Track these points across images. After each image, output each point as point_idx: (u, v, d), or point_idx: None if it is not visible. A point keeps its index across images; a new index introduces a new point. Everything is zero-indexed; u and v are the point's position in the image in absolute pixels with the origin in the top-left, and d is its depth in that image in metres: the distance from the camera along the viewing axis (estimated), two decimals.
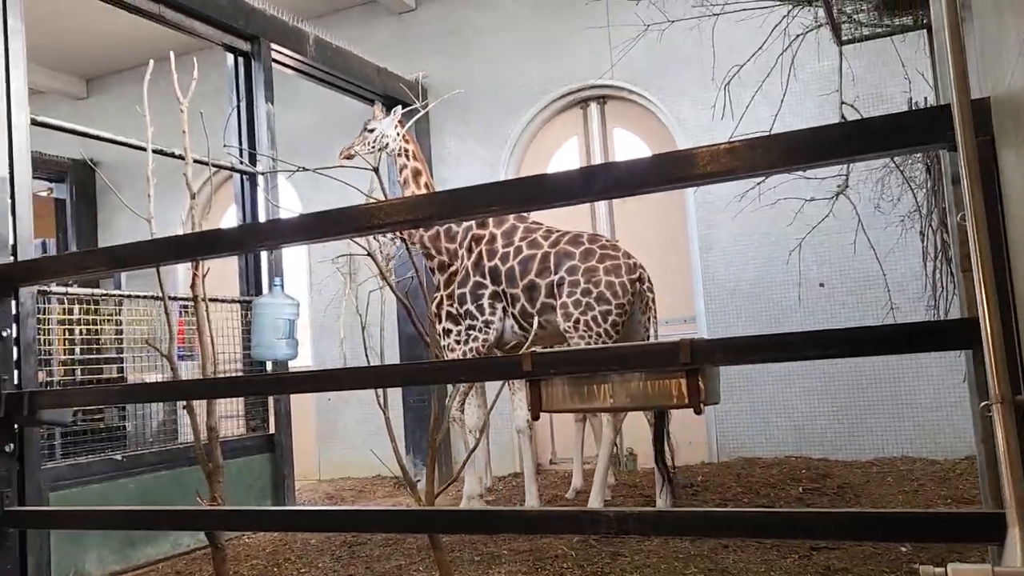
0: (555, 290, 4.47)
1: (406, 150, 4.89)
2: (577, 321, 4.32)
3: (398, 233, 3.55)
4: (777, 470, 5.31)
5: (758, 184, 4.58)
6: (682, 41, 5.82)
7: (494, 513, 2.71)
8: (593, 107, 6.92)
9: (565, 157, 7.04)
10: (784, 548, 3.52)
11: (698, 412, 2.40)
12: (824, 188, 4.67)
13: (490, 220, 4.78)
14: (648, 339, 4.48)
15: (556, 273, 4.48)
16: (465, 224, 4.79)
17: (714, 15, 4.22)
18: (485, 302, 4.71)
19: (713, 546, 3.62)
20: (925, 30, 3.62)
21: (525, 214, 4.89)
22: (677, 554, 3.54)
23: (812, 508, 4.04)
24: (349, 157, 5.01)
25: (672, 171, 2.24)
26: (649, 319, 4.54)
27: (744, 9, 4.10)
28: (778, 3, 4.00)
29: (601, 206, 6.80)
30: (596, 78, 6.59)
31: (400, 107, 5.04)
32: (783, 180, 5.00)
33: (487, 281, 4.71)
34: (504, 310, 4.70)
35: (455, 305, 4.77)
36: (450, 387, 4.60)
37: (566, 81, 6.84)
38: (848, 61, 4.32)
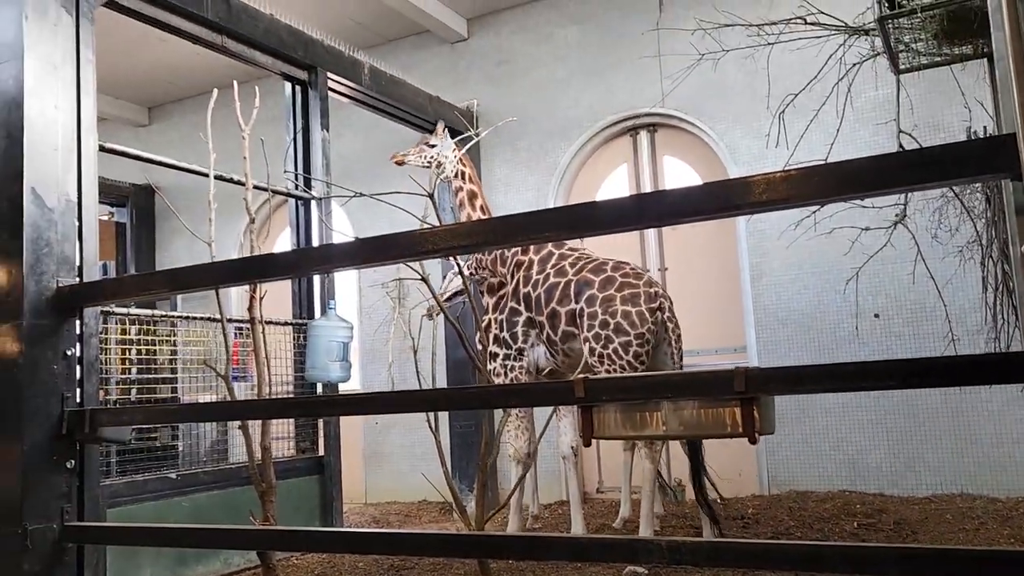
0: (576, 319, 4.46)
1: (462, 172, 4.97)
2: (601, 356, 4.30)
3: (453, 259, 3.59)
4: (831, 504, 5.19)
5: (814, 213, 4.53)
6: (734, 70, 5.82)
7: (545, 539, 2.69)
8: (643, 135, 6.93)
9: (614, 185, 7.05)
10: None
11: (753, 442, 2.37)
12: (881, 217, 4.60)
13: (532, 246, 4.82)
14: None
15: (576, 302, 4.46)
16: (513, 248, 4.84)
17: (769, 44, 4.21)
18: (519, 329, 4.76)
19: None
20: (985, 59, 3.58)
21: (565, 240, 4.91)
22: None
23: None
24: (400, 163, 5.10)
25: (727, 199, 2.23)
26: (673, 351, 4.46)
27: (800, 38, 4.09)
28: (834, 32, 3.98)
29: (651, 234, 6.78)
30: (647, 107, 6.61)
31: (455, 147, 5.11)
32: (837, 209, 4.94)
33: (521, 308, 4.77)
34: (537, 336, 4.74)
35: (501, 329, 4.82)
36: (499, 412, 4.62)
37: (616, 109, 6.87)
38: (905, 90, 4.27)
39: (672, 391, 2.41)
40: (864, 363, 2.06)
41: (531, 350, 4.79)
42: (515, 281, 4.82)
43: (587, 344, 4.38)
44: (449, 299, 5.12)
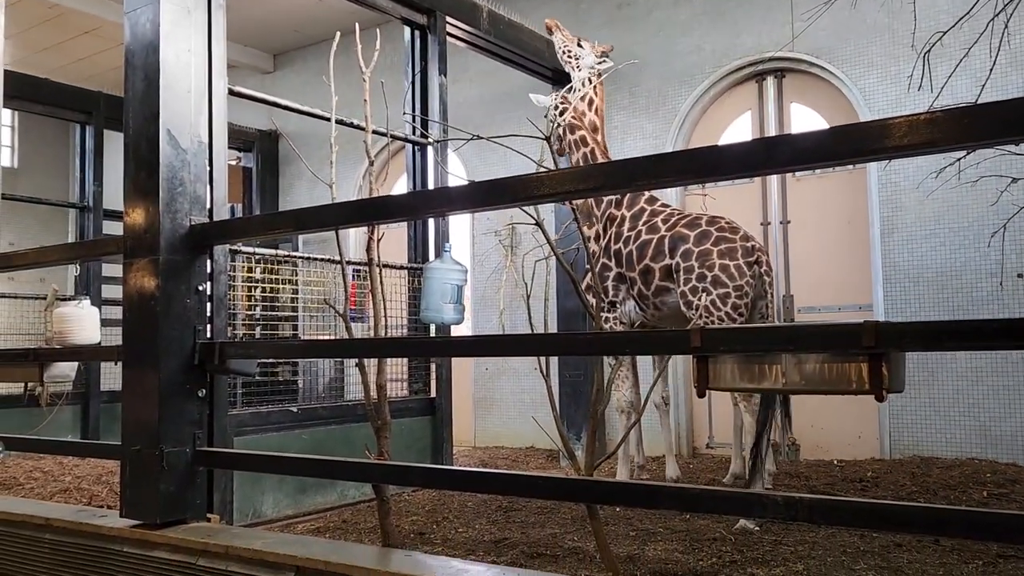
0: (671, 274, 4.46)
1: (592, 99, 4.97)
2: (697, 308, 4.29)
3: (568, 204, 3.54)
4: (958, 472, 4.94)
5: (958, 160, 4.21)
6: (873, 8, 5.46)
7: (657, 488, 2.65)
8: (770, 81, 6.62)
9: (737, 134, 6.79)
10: (966, 552, 3.26)
11: (880, 399, 2.25)
12: None
13: (624, 201, 4.83)
14: None
15: (672, 257, 4.46)
16: (607, 198, 4.81)
17: None
18: (610, 284, 4.83)
19: (885, 543, 3.41)
20: None
21: (656, 196, 4.89)
22: (845, 549, 3.36)
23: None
24: (550, 28, 5.13)
25: (864, 142, 2.09)
26: (766, 305, 4.35)
27: None
28: None
29: (774, 186, 6.52)
30: (775, 50, 6.30)
31: (605, 60, 5.04)
32: (981, 157, 4.58)
33: (612, 263, 4.82)
34: (627, 291, 4.77)
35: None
36: (608, 362, 4.59)
37: (741, 54, 6.58)
38: None
39: (794, 344, 2.31)
40: (1013, 320, 1.91)
41: (622, 304, 4.81)
42: (607, 237, 4.85)
43: (683, 298, 4.39)
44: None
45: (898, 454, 5.68)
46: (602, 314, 4.83)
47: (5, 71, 3.26)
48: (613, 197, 4.85)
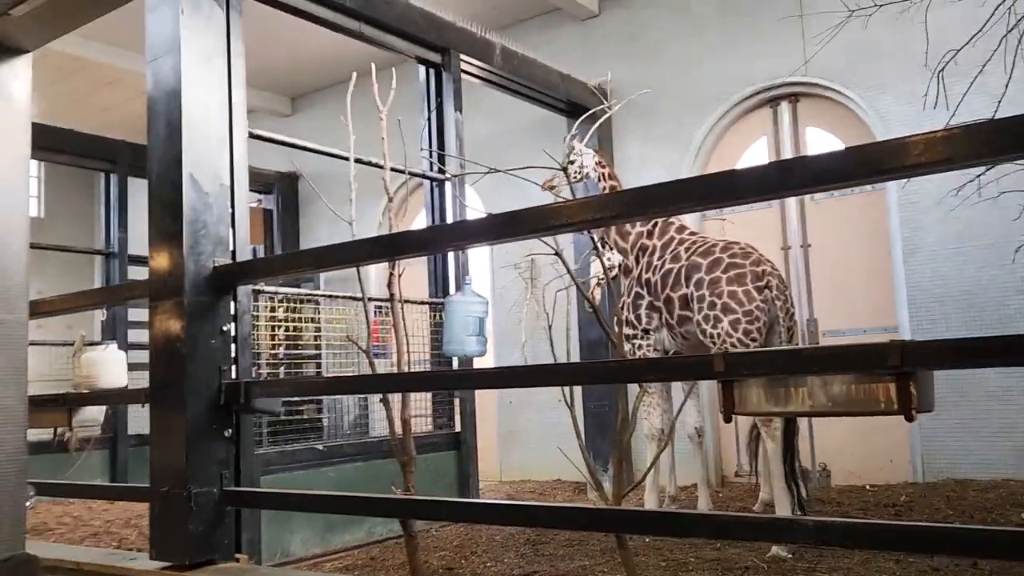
0: (688, 304, 4.51)
1: (603, 174, 5.15)
2: (712, 337, 4.33)
3: (586, 233, 3.55)
4: (994, 494, 4.84)
5: (978, 177, 4.19)
6: (884, 29, 5.48)
7: (684, 516, 2.63)
8: (784, 106, 6.63)
9: (752, 160, 6.79)
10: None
11: (909, 419, 2.22)
12: None
13: (656, 231, 4.90)
14: None
15: (687, 287, 4.52)
16: (637, 230, 4.89)
17: None
18: (643, 312, 4.87)
19: (923, 568, 3.34)
20: None
21: (686, 225, 4.95)
22: (881, 574, 3.30)
23: None
24: (551, 188, 5.27)
25: (880, 162, 2.08)
26: (787, 329, 4.33)
27: None
28: None
29: (792, 210, 6.50)
30: (787, 75, 6.32)
31: (593, 153, 5.17)
32: (1002, 172, 4.54)
33: (644, 292, 4.88)
34: (660, 319, 4.81)
35: (627, 311, 4.90)
36: (633, 391, 4.58)
37: (754, 80, 6.61)
38: None
39: (818, 366, 2.29)
40: None
41: (656, 332, 4.85)
42: (640, 267, 4.93)
43: (699, 327, 4.43)
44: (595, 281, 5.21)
45: (932, 477, 5.58)
46: (636, 341, 4.86)
47: (31, 123, 3.33)
48: (645, 228, 4.90)
